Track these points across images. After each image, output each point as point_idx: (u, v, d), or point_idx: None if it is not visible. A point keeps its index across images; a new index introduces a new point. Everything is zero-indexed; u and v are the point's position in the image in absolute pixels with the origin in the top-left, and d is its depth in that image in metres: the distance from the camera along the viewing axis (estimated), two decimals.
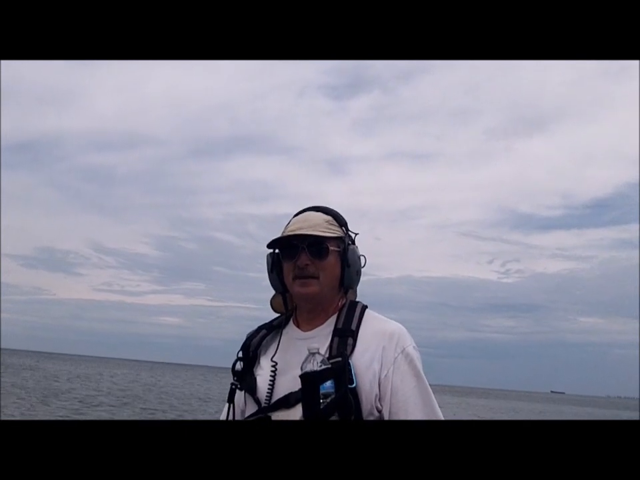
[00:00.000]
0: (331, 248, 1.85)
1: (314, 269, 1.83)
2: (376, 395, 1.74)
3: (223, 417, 1.98)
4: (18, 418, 14.96)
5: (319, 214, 1.92)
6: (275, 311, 2.04)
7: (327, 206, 1.97)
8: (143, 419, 20.22)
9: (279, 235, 1.90)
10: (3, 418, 14.62)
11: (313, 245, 1.83)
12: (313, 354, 1.72)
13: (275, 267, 1.94)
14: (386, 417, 1.74)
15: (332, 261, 1.85)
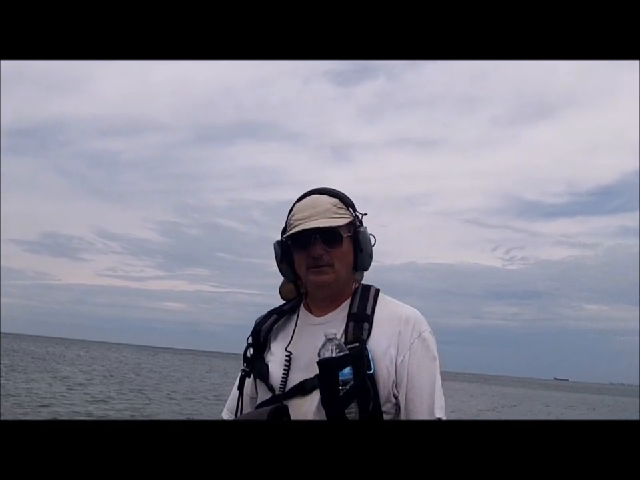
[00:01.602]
0: (344, 235, 1.79)
1: (328, 257, 1.78)
2: (393, 381, 1.72)
3: (231, 403, 1.96)
4: (18, 418, 15.04)
5: (325, 197, 1.85)
6: (284, 298, 1.99)
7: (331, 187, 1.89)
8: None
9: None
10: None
11: (326, 234, 1.77)
12: (330, 339, 1.67)
13: (285, 257, 1.88)
14: (402, 404, 1.72)
15: (346, 247, 1.80)
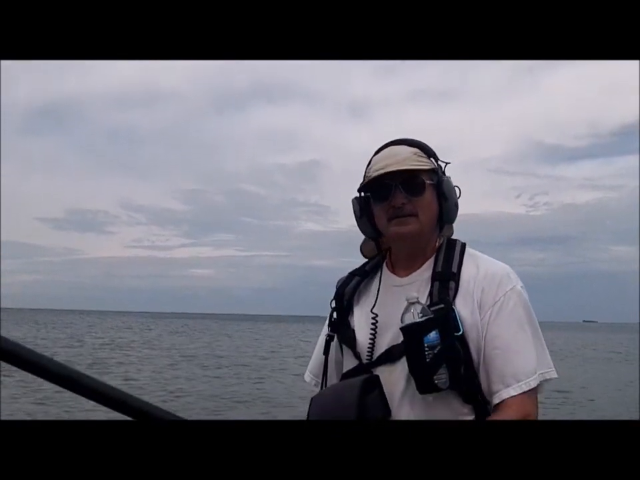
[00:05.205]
0: (427, 182, 1.71)
1: (411, 207, 1.69)
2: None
3: (315, 367, 1.90)
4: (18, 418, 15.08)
5: (404, 147, 1.75)
6: (365, 257, 1.92)
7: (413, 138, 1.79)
8: None
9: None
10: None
11: (407, 182, 1.69)
12: (412, 303, 1.60)
13: (364, 212, 1.80)
14: (481, 365, 1.64)
15: (429, 196, 1.71)
